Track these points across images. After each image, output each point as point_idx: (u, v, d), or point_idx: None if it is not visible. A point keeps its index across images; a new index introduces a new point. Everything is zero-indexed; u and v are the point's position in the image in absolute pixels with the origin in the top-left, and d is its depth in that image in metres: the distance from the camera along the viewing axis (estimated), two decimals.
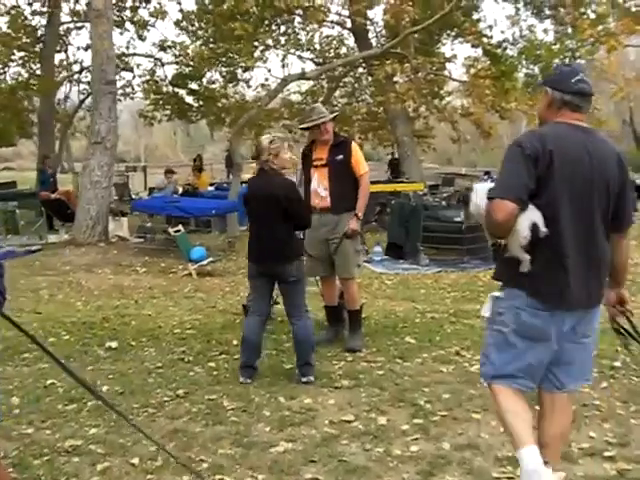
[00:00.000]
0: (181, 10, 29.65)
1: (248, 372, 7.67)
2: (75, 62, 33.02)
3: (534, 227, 4.41)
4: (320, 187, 8.88)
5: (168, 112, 32.79)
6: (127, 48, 31.79)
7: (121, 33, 30.53)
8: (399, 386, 7.46)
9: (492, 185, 4.62)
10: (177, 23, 29.71)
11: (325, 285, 9.38)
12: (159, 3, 29.56)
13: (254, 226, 7.87)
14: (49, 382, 7.72)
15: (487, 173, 30.34)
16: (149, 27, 30.59)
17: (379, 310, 10.95)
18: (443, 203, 19.71)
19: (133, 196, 29.18)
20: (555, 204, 4.44)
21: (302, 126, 9.39)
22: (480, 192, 4.72)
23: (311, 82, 32.19)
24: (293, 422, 6.54)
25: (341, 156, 8.82)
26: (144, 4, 30.31)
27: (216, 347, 9.01)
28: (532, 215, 4.41)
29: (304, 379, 7.61)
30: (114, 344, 9.16)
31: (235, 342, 8.72)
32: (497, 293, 4.72)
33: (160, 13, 28.25)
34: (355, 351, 8.70)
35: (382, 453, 5.89)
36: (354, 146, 9.05)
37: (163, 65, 31.66)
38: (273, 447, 6.00)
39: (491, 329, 4.80)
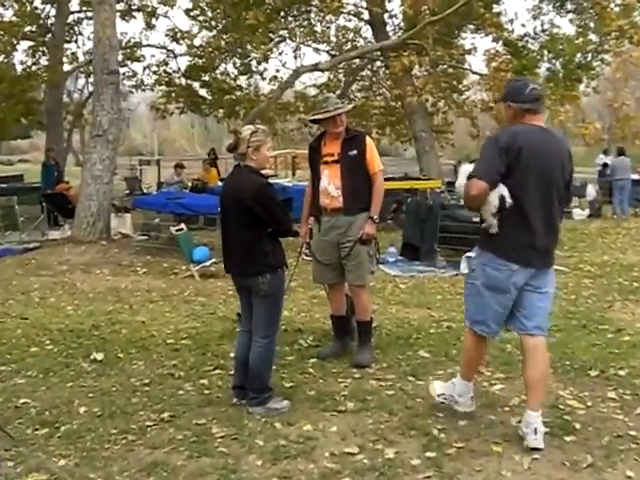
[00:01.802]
0: None
1: (241, 393, 6.88)
2: (87, 53, 32.26)
3: (502, 199, 5.71)
4: (331, 186, 8.06)
5: (181, 105, 32.00)
6: (132, 38, 31.29)
7: (127, 21, 29.89)
8: (410, 410, 6.66)
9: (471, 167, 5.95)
10: (187, 12, 28.93)
11: (333, 293, 8.54)
12: None
13: (222, 231, 6.97)
14: (22, 401, 7.06)
15: None
16: (159, 16, 30.09)
17: (391, 318, 10.16)
18: (461, 201, 18.90)
19: (145, 190, 28.47)
20: (522, 184, 5.74)
21: (316, 117, 8.46)
22: (464, 173, 5.98)
23: (326, 75, 31.58)
24: (289, 454, 5.76)
25: (355, 151, 8.01)
26: None
27: (211, 360, 8.27)
28: (501, 190, 5.72)
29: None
30: (100, 356, 8.44)
31: (232, 354, 7.82)
32: (470, 253, 6.12)
33: (169, 0, 27.64)
34: (363, 367, 7.90)
35: None
36: (369, 141, 8.22)
37: (176, 57, 31.07)
38: None
39: (467, 282, 6.23)
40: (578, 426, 6.18)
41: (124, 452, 5.87)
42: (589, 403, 6.78)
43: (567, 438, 5.94)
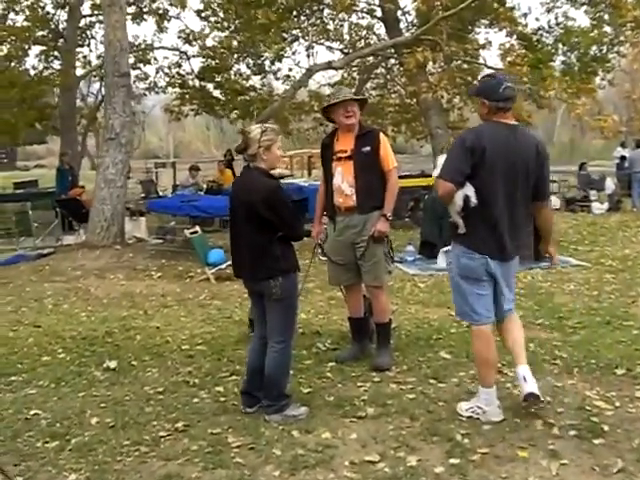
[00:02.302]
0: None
1: (247, 400, 6.70)
2: (100, 56, 32.15)
3: (466, 198, 5.99)
4: (345, 183, 7.83)
5: (195, 107, 31.81)
6: (145, 41, 31.24)
7: (138, 23, 29.80)
8: (432, 415, 6.44)
9: None
10: (199, 13, 28.80)
11: (350, 294, 8.32)
12: None
13: (231, 235, 6.76)
14: (32, 413, 6.89)
15: None
16: (171, 17, 30.13)
17: (411, 319, 9.94)
18: None
19: (160, 193, 28.35)
20: (487, 184, 5.99)
21: (325, 104, 8.29)
22: (440, 164, 6.60)
23: (340, 73, 31.40)
24: (307, 464, 5.55)
25: (368, 148, 7.77)
26: None
27: (227, 366, 8.08)
28: (466, 190, 5.98)
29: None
30: (113, 364, 8.26)
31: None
32: (446, 248, 6.36)
33: (180, 2, 27.47)
34: (383, 370, 7.69)
35: None
36: (382, 137, 7.98)
37: (189, 58, 30.91)
38: None
39: (449, 277, 6.58)
40: (607, 428, 5.94)
41: (137, 464, 5.69)
42: (617, 403, 6.53)
43: (596, 441, 5.71)
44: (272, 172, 6.56)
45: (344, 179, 7.81)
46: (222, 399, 7.04)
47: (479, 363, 6.46)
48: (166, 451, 5.89)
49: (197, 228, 14.70)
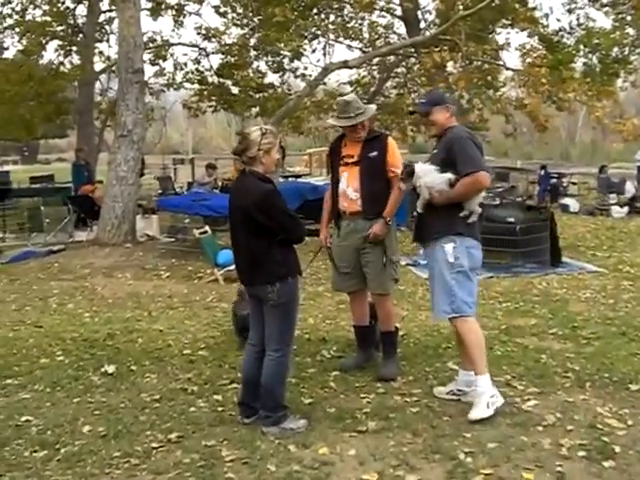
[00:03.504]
0: None
1: (245, 411, 6.47)
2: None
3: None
4: (350, 188, 7.60)
5: (213, 103, 31.61)
6: (163, 36, 31.15)
7: (154, 19, 29.69)
8: (435, 430, 6.15)
9: (431, 166, 6.57)
10: (217, 9, 28.67)
11: (354, 301, 8.06)
12: None
13: (231, 239, 6.53)
14: (24, 419, 6.68)
15: (543, 167, 28.93)
16: (190, 13, 30.04)
17: (420, 326, 9.68)
18: (496, 200, 18.24)
19: (177, 190, 28.16)
20: None
21: (334, 122, 8.06)
22: (427, 171, 6.55)
23: (361, 72, 31.16)
24: None
25: (375, 153, 7.54)
26: None
27: (227, 373, 7.83)
28: None
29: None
30: (112, 368, 8.04)
31: None
32: (451, 244, 6.51)
33: None
34: (388, 380, 7.42)
35: None
36: (390, 141, 7.74)
37: (207, 55, 30.69)
38: None
39: (452, 272, 6.53)
40: (618, 449, 5.62)
41: (125, 478, 5.47)
42: (630, 422, 6.20)
43: (606, 463, 5.39)
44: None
45: (349, 184, 7.60)
46: (220, 409, 6.81)
47: (480, 351, 6.59)
48: (157, 464, 5.66)
49: (207, 228, 14.49)
